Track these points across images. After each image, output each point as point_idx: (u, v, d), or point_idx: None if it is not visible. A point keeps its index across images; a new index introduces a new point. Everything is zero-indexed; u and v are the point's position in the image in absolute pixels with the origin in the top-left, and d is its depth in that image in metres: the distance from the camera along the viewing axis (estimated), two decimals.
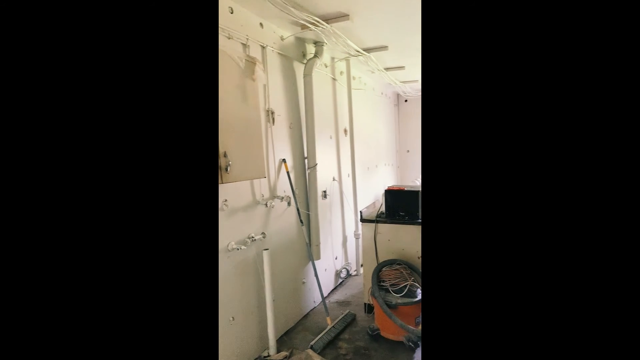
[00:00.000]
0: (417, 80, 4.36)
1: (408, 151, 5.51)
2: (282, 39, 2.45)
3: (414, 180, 4.73)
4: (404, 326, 2.10)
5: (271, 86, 2.32)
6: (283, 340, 2.38)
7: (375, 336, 2.34)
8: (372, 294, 2.30)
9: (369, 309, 2.71)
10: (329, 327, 2.42)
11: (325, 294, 2.97)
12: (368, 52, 2.97)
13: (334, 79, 3.24)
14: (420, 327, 2.23)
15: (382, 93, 4.70)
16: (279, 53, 2.42)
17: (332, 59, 3.20)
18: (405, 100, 5.41)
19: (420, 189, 2.62)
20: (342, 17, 2.24)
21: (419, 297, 2.25)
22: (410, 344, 2.18)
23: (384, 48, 2.92)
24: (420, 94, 5.14)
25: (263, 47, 2.25)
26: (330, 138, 3.15)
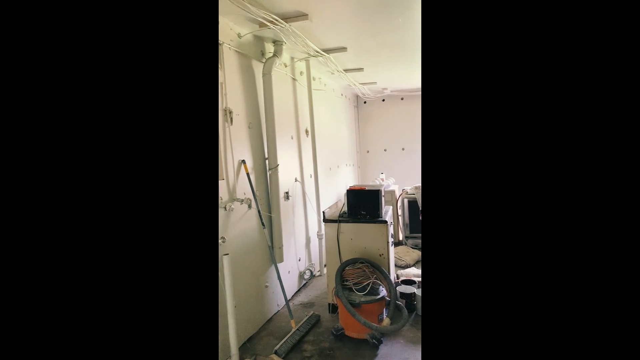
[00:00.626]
0: (376, 83, 4.47)
1: (368, 151, 5.64)
2: (239, 36, 2.37)
3: (374, 180, 4.85)
4: (367, 324, 2.13)
5: (228, 85, 2.24)
6: (246, 347, 2.30)
7: (340, 336, 2.34)
8: (336, 294, 2.31)
9: (333, 309, 2.71)
10: (293, 330, 2.39)
11: (289, 297, 2.92)
12: (327, 53, 2.98)
13: (294, 79, 3.21)
14: (383, 323, 2.28)
15: (342, 94, 4.76)
16: (236, 51, 2.34)
17: (292, 58, 3.17)
18: (365, 102, 5.53)
19: (380, 188, 2.67)
20: (301, 16, 2.22)
21: (382, 294, 2.30)
22: (374, 340, 2.22)
23: (342, 49, 2.94)
24: (378, 95, 5.28)
25: (219, 44, 2.16)
26: (292, 138, 3.12)
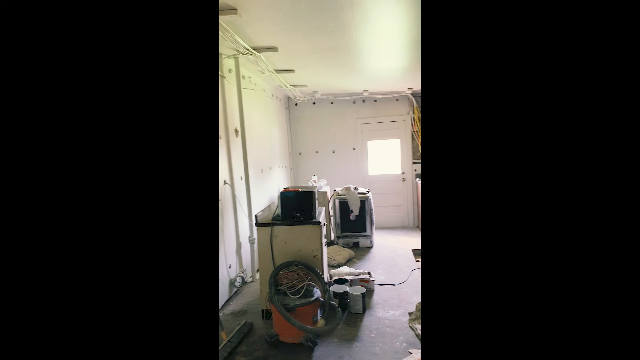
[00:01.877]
0: (307, 85, 4.50)
1: (300, 153, 5.66)
2: None
3: (306, 182, 4.88)
4: (302, 327, 2.10)
5: None
6: None
7: (275, 342, 2.28)
8: (270, 299, 2.24)
9: (267, 315, 2.63)
10: (224, 342, 2.24)
11: (219, 307, 2.74)
12: (258, 52, 2.90)
13: (223, 77, 3.05)
14: (318, 324, 2.28)
15: (273, 95, 4.69)
16: None
17: (220, 54, 3.00)
18: (296, 104, 5.54)
19: (314, 190, 2.68)
20: (230, 10, 2.10)
21: (316, 295, 2.30)
22: (309, 343, 2.21)
23: (274, 49, 2.89)
24: (309, 98, 5.34)
25: None
26: (220, 138, 2.95)
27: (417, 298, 2.84)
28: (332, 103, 5.50)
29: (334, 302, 2.53)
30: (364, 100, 5.45)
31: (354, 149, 5.56)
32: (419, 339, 2.27)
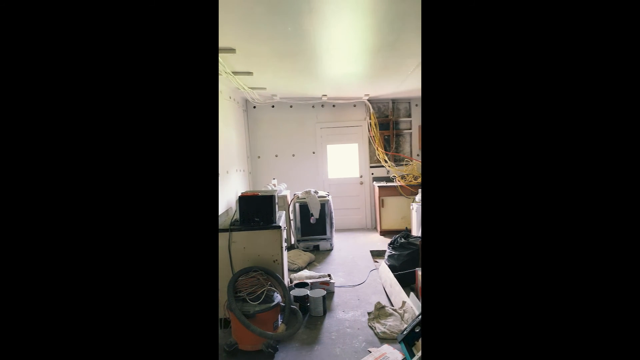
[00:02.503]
0: (266, 88, 4.46)
1: (259, 157, 5.58)
2: None
3: (266, 186, 4.82)
4: (263, 333, 2.07)
5: None
6: None
7: (233, 351, 2.21)
8: (229, 307, 2.17)
9: (226, 324, 2.55)
10: None
11: None
12: None
13: None
14: (278, 330, 2.25)
15: (230, 97, 4.58)
16: None
17: None
18: (254, 107, 5.47)
19: (274, 194, 2.66)
20: None
21: (277, 300, 2.27)
22: (270, 349, 2.17)
23: (231, 50, 2.83)
24: (268, 101, 5.29)
25: None
26: None
27: (376, 298, 2.93)
28: (291, 107, 5.50)
29: (295, 307, 2.52)
30: (322, 105, 5.52)
31: (313, 152, 5.60)
32: (378, 337, 2.34)
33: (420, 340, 2.05)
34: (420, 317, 2.09)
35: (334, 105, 5.53)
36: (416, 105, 5.56)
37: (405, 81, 4.10)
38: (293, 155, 5.61)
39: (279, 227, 2.59)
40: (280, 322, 2.31)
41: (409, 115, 5.60)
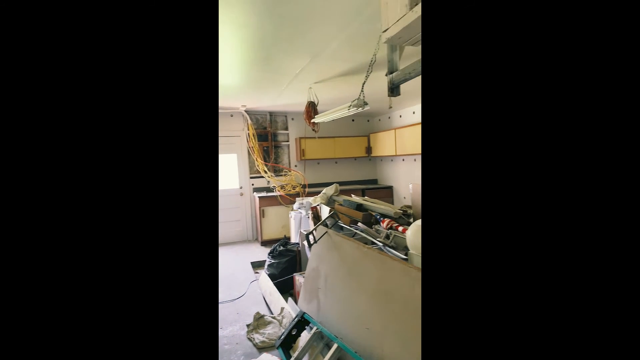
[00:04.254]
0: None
1: None
2: None
3: None
4: None
5: None
6: None
7: None
8: None
9: None
10: None
11: None
12: None
13: None
14: None
15: None
16: None
17: None
18: None
19: None
20: None
21: None
22: None
23: None
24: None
25: None
26: None
27: (256, 308, 2.93)
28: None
29: None
30: None
31: None
32: (257, 348, 2.35)
33: (297, 342, 2.16)
34: (296, 319, 2.20)
35: None
36: (292, 119, 5.88)
37: (282, 95, 4.30)
38: None
39: None
40: None
41: (286, 128, 5.88)
